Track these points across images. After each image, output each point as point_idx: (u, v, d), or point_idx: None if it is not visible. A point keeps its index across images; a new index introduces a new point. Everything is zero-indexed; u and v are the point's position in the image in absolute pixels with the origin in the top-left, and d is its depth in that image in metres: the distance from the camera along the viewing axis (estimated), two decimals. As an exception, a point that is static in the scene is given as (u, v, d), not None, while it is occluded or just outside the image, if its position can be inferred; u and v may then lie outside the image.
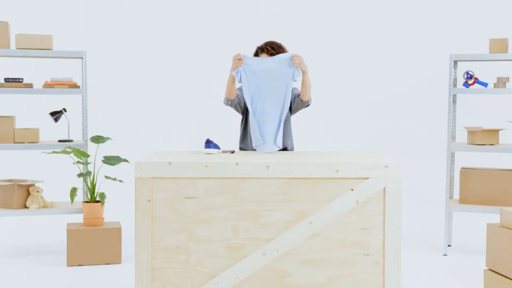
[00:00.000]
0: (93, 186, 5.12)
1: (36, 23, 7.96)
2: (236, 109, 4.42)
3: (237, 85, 4.15)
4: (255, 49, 4.43)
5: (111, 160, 5.17)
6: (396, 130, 8.18)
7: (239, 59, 4.08)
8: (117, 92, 8.14)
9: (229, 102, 4.35)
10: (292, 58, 4.05)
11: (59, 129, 8.03)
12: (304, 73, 4.13)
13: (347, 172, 3.33)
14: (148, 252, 3.31)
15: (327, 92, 8.28)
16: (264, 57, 4.28)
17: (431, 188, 7.86)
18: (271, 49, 4.34)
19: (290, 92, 4.13)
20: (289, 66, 4.08)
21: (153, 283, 3.33)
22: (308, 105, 4.37)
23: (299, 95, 4.35)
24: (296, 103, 4.37)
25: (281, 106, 4.14)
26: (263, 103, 4.13)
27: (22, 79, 5.32)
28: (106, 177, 5.11)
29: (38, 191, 5.26)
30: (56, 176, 7.83)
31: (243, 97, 4.39)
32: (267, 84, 4.12)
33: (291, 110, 4.43)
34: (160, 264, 3.33)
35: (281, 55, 4.08)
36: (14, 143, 5.28)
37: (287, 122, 4.45)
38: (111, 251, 5.01)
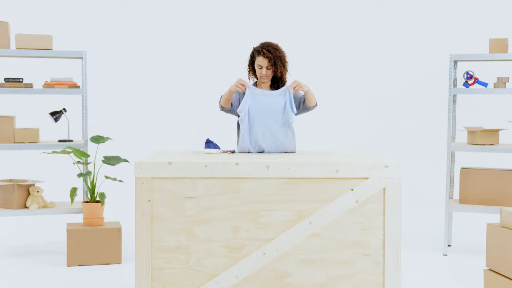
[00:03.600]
0: (93, 186, 5.12)
1: (36, 23, 7.96)
2: (232, 114, 4.44)
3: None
4: (251, 51, 4.40)
5: (111, 160, 5.17)
6: (396, 130, 8.18)
7: (242, 85, 4.18)
8: (117, 92, 8.14)
9: (224, 109, 4.38)
10: (293, 88, 4.20)
11: (59, 129, 8.03)
12: (306, 92, 4.24)
13: (347, 172, 3.33)
14: (148, 252, 3.31)
15: (327, 92, 8.29)
16: (261, 60, 4.32)
17: (431, 188, 7.86)
18: (267, 52, 4.31)
19: (290, 107, 4.25)
20: (285, 96, 4.27)
21: (153, 283, 3.33)
22: (316, 106, 4.42)
23: (304, 100, 4.37)
24: (303, 108, 4.39)
25: (282, 120, 4.28)
26: (264, 121, 4.26)
27: (22, 79, 5.32)
28: (106, 177, 5.11)
29: (38, 191, 5.26)
30: (56, 176, 7.83)
31: (238, 102, 4.42)
32: (267, 107, 4.26)
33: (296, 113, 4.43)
34: (160, 264, 3.33)
35: (281, 89, 4.26)
36: (14, 143, 5.28)
37: (288, 126, 4.44)
38: (111, 251, 5.01)
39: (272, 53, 4.32)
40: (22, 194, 5.26)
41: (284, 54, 4.39)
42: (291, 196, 3.33)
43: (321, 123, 8.22)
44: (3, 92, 5.24)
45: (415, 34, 8.17)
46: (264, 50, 4.32)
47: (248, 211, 3.33)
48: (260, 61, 4.32)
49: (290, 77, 8.17)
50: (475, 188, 5.37)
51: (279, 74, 4.36)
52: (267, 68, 4.33)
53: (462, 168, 5.43)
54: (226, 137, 8.10)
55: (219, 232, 3.33)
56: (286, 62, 4.40)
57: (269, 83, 4.45)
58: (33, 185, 5.32)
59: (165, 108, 8.19)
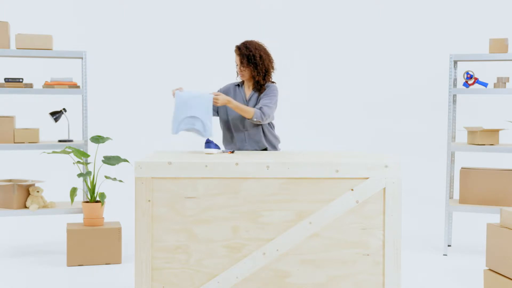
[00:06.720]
0: (93, 186, 5.12)
1: (36, 23, 7.96)
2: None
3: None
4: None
5: (111, 160, 5.17)
6: (396, 130, 8.17)
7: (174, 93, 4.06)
8: (117, 92, 8.14)
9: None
10: (213, 99, 4.08)
11: (59, 129, 8.03)
12: (227, 103, 4.15)
13: (347, 172, 3.33)
14: (148, 252, 3.31)
15: (327, 92, 8.29)
16: (235, 57, 4.38)
17: (431, 188, 7.86)
18: (238, 49, 4.32)
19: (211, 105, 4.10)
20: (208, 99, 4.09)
21: (153, 283, 3.33)
22: (259, 121, 4.26)
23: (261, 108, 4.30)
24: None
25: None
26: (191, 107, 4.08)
27: (22, 79, 5.32)
28: (106, 177, 5.11)
29: (38, 191, 5.26)
30: (56, 176, 7.83)
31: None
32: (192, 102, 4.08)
33: None
34: (160, 264, 3.33)
35: (204, 94, 4.04)
36: (14, 143, 5.28)
37: (265, 125, 4.42)
38: (111, 251, 5.01)
39: (241, 50, 4.30)
40: (22, 194, 5.26)
41: (260, 54, 4.29)
42: (291, 196, 3.33)
43: (321, 123, 8.21)
44: (3, 92, 5.24)
45: (415, 34, 8.17)
46: (237, 47, 4.35)
47: (248, 211, 3.33)
48: (235, 57, 4.40)
49: (290, 76, 8.19)
50: (475, 188, 5.37)
51: (253, 74, 4.33)
52: (241, 66, 4.33)
53: (462, 168, 5.43)
54: (226, 137, 8.09)
55: (219, 232, 3.33)
56: (261, 62, 4.29)
57: (251, 82, 4.43)
58: (33, 185, 5.32)
59: (165, 108, 8.19)
